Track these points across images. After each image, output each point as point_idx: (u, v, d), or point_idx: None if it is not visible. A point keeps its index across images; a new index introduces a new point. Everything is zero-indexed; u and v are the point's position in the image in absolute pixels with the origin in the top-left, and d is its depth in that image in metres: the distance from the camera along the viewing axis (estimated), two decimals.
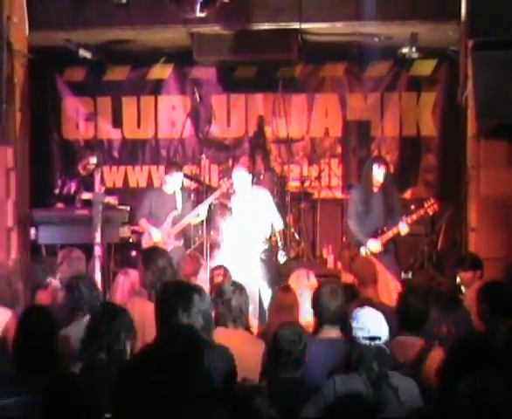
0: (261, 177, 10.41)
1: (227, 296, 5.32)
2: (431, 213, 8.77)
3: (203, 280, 7.20)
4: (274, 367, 4.45)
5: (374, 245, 8.55)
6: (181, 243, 9.35)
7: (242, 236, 8.90)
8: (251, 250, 8.72)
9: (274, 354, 4.46)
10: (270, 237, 9.13)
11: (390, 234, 8.60)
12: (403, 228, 8.54)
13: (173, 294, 4.46)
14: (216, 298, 5.29)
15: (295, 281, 6.88)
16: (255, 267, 8.62)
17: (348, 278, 7.51)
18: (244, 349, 4.82)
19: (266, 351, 4.65)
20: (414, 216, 8.60)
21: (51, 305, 5.98)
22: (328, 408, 3.42)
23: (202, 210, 9.39)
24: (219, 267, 7.30)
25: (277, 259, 9.13)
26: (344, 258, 7.97)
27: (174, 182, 9.35)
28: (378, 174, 8.71)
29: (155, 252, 6.32)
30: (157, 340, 4.12)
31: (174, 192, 9.40)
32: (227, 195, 9.69)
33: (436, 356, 4.71)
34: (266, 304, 7.96)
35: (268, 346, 4.64)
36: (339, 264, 8.18)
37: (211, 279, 7.06)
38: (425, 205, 8.64)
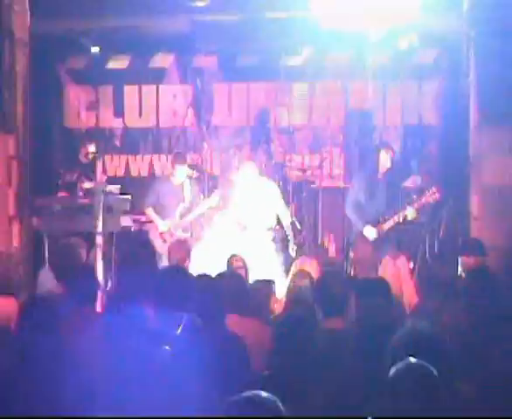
0: (263, 166, 10.40)
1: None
2: (432, 201, 8.79)
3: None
4: (279, 355, 4.43)
5: (370, 232, 8.59)
6: (188, 234, 9.37)
7: (247, 226, 8.95)
8: (256, 240, 8.75)
9: (279, 341, 4.45)
10: (275, 228, 9.21)
11: (391, 222, 8.62)
12: (410, 212, 8.57)
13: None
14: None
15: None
16: (265, 256, 8.64)
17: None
18: (252, 337, 4.85)
19: (271, 338, 4.63)
20: (416, 205, 8.62)
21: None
22: None
23: (211, 203, 9.42)
24: (235, 255, 7.29)
25: (288, 252, 9.16)
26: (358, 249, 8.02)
27: (180, 174, 9.45)
28: (386, 159, 8.76)
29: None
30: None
31: (182, 183, 9.46)
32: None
33: None
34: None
35: (274, 333, 4.63)
36: (351, 255, 8.22)
37: (229, 266, 7.04)
38: (427, 194, 8.66)
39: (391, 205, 8.74)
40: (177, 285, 4.48)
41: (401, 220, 8.65)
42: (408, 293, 7.57)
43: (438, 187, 8.86)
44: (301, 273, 6.36)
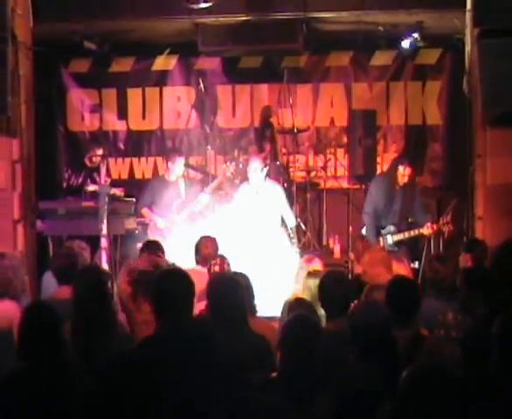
0: (267, 168, 10.40)
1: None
2: (445, 232, 8.87)
3: None
4: (286, 358, 4.42)
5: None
6: (187, 230, 9.39)
7: (251, 226, 8.94)
8: (259, 241, 8.74)
9: (286, 345, 4.43)
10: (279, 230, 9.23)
11: (401, 236, 8.72)
12: (421, 233, 8.74)
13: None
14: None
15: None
16: (267, 258, 8.62)
17: (360, 269, 7.50)
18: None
19: (278, 341, 4.62)
20: (430, 231, 8.73)
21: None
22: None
23: (205, 196, 9.49)
24: (221, 256, 7.20)
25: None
26: (358, 250, 7.98)
27: (177, 169, 9.49)
28: (403, 176, 8.86)
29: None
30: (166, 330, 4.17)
31: (177, 180, 9.52)
32: (232, 184, 9.75)
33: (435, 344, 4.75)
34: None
35: (280, 336, 4.61)
36: (351, 255, 8.24)
37: (209, 269, 6.99)
38: (441, 222, 8.76)
39: (403, 219, 8.84)
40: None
41: (410, 238, 8.79)
42: None
43: (453, 219, 8.92)
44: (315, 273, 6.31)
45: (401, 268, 8.14)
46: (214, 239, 7.44)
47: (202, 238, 7.41)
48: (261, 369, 4.37)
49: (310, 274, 6.21)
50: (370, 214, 9.02)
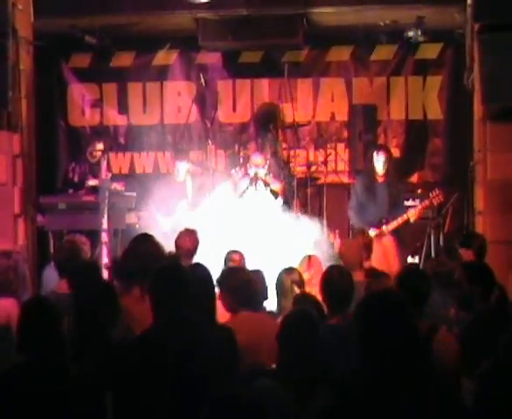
0: (268, 162, 10.39)
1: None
2: (435, 204, 8.82)
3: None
4: (284, 353, 4.43)
5: (373, 235, 8.61)
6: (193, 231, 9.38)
7: (252, 222, 8.94)
8: (261, 237, 8.75)
9: (283, 339, 4.44)
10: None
11: (394, 224, 8.64)
12: (412, 214, 8.62)
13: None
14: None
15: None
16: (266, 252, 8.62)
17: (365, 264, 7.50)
18: (264, 332, 4.88)
19: (276, 335, 4.63)
20: (419, 207, 8.65)
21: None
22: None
23: (214, 199, 9.44)
24: (235, 252, 7.19)
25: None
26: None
27: (181, 170, 9.48)
28: (377, 161, 8.76)
29: (141, 238, 6.34)
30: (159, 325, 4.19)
31: (184, 180, 9.49)
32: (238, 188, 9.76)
33: (444, 337, 4.72)
34: None
35: (278, 330, 4.62)
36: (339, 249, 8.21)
37: (226, 263, 6.98)
38: (431, 196, 8.69)
39: (393, 209, 8.76)
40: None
41: (403, 222, 8.69)
42: (396, 272, 7.55)
43: (440, 188, 8.87)
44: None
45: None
46: (195, 232, 7.30)
47: (182, 233, 7.31)
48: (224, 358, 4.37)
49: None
50: (356, 208, 8.97)
